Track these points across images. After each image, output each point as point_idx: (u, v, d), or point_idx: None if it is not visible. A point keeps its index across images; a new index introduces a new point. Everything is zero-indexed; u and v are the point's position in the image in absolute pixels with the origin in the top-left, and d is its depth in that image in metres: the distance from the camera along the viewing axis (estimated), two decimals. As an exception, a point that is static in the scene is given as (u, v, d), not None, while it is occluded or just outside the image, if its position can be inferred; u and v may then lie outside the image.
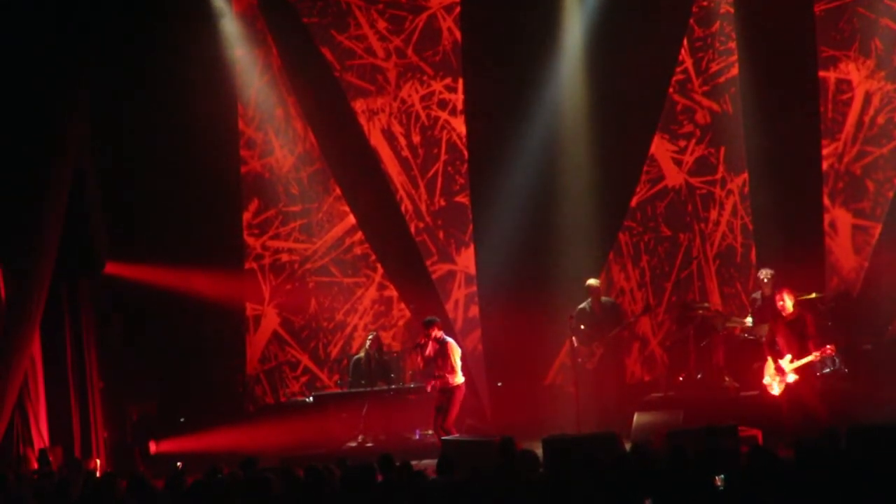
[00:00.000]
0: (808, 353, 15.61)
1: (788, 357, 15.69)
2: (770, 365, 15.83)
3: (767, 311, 17.92)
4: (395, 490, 11.32)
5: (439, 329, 16.67)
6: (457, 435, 16.28)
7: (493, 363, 19.55)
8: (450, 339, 16.70)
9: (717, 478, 10.38)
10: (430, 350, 16.59)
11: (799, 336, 15.76)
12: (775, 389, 15.80)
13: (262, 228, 20.86)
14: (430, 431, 17.10)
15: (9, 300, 16.92)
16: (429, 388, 16.71)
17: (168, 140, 19.31)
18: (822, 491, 10.03)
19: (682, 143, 20.21)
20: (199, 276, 19.58)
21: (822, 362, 16.34)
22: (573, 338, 17.85)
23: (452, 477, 11.66)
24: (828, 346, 15.60)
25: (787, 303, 15.86)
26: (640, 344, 20.10)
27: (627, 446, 13.74)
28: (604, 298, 18.62)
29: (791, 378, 15.66)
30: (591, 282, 18.44)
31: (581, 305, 18.35)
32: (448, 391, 16.51)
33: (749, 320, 18.12)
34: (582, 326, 18.11)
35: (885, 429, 12.29)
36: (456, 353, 16.58)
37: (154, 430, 18.99)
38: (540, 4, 19.40)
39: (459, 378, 16.55)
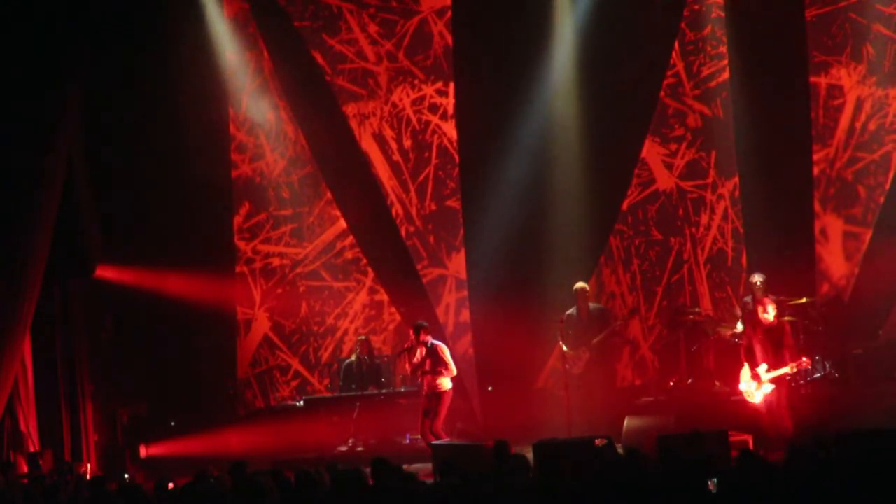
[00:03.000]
0: (784, 364, 15.52)
1: (764, 366, 15.59)
2: (746, 372, 15.74)
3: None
4: (387, 494, 11.30)
5: (427, 334, 16.68)
6: (446, 439, 16.28)
7: (484, 367, 19.54)
8: (439, 342, 16.72)
9: (710, 482, 10.38)
10: (418, 356, 16.59)
11: (776, 345, 15.66)
12: (753, 397, 15.73)
13: (252, 232, 20.84)
14: (420, 436, 17.08)
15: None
16: (426, 390, 16.71)
17: (159, 143, 19.25)
18: (813, 496, 10.03)
19: (674, 147, 20.24)
20: (189, 279, 19.53)
21: (803, 372, 16.23)
22: (560, 342, 17.89)
23: (446, 481, 11.65)
24: (803, 359, 15.51)
25: (770, 313, 15.71)
26: (630, 348, 20.12)
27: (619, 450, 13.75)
28: (592, 304, 18.57)
29: (768, 388, 15.58)
30: (578, 285, 18.37)
31: (568, 311, 18.33)
32: (437, 395, 16.52)
33: (739, 326, 18.14)
34: (570, 331, 18.12)
35: (875, 433, 12.29)
36: (447, 353, 16.60)
37: (144, 434, 18.96)
38: (531, 8, 19.39)
39: (448, 382, 16.56)
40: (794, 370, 15.53)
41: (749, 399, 15.74)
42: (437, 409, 16.49)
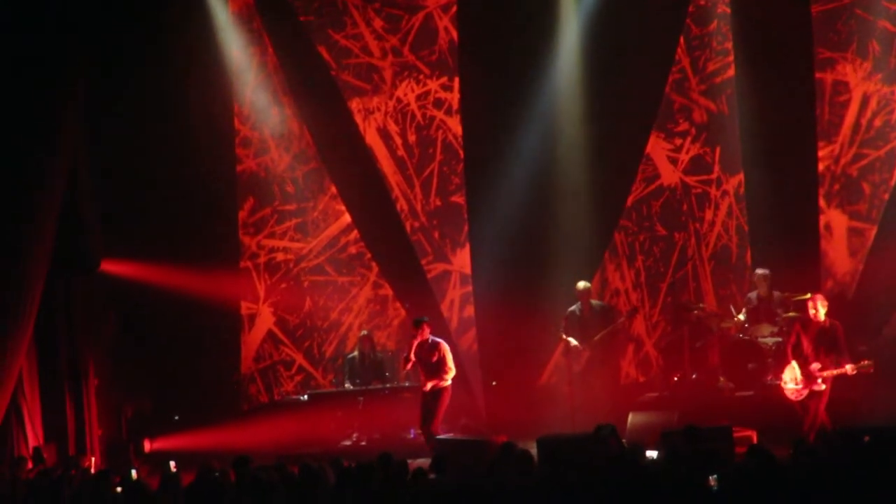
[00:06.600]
0: (842, 365, 15.31)
1: (817, 365, 15.42)
2: (795, 369, 15.55)
3: (762, 311, 17.98)
4: (393, 489, 11.32)
5: (428, 328, 16.69)
6: (441, 436, 16.28)
7: (488, 362, 19.53)
8: (440, 340, 16.72)
9: (710, 478, 10.39)
10: (418, 351, 16.59)
11: (828, 345, 15.50)
12: (796, 394, 15.59)
13: (257, 227, 20.83)
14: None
15: (3, 298, 16.87)
16: (427, 388, 16.68)
17: (163, 138, 19.23)
18: (818, 491, 10.05)
19: (678, 142, 20.24)
20: (194, 274, 19.52)
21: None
22: (564, 337, 17.91)
23: (447, 476, 11.67)
24: (864, 362, 15.35)
25: (821, 311, 15.54)
26: (634, 345, 20.09)
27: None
28: (594, 302, 18.57)
29: (820, 386, 15.40)
30: (580, 285, 18.39)
31: (571, 308, 18.34)
32: (437, 392, 16.53)
33: (742, 316, 18.14)
34: (572, 328, 18.12)
35: (879, 430, 12.30)
36: (449, 353, 16.60)
37: (148, 428, 18.96)
38: (536, 4, 19.39)
39: (449, 378, 16.57)
40: (855, 372, 15.37)
41: (794, 396, 15.61)
42: (435, 407, 16.49)
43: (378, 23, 20.65)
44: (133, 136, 18.88)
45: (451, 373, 16.57)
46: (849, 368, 15.29)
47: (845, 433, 12.07)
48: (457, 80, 20.33)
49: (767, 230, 19.05)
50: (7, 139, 16.84)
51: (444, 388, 16.54)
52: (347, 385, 19.02)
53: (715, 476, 10.39)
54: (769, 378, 17.52)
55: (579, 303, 18.35)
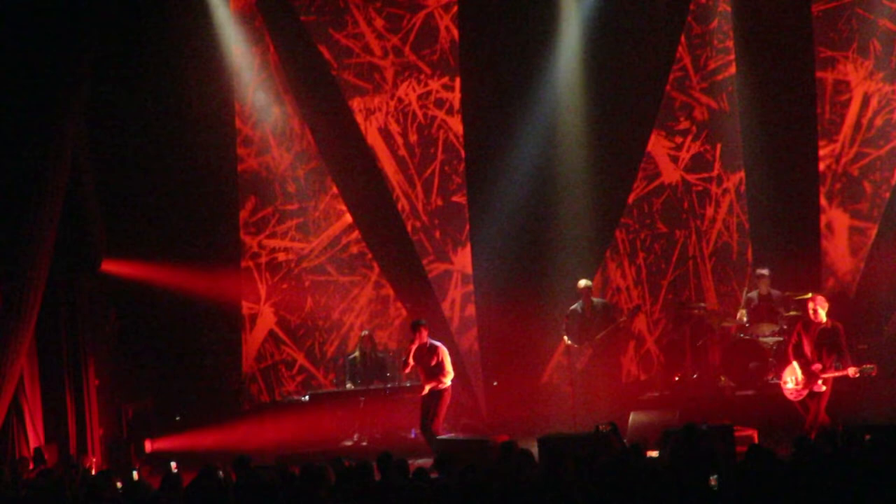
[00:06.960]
0: (844, 367, 15.23)
1: (819, 366, 15.32)
2: (797, 369, 15.46)
3: (763, 310, 17.97)
4: (393, 489, 11.31)
5: (426, 331, 16.65)
6: (442, 436, 16.28)
7: (490, 362, 19.55)
8: (439, 344, 16.68)
9: (711, 478, 10.38)
10: (417, 354, 16.56)
11: (829, 347, 15.41)
12: (796, 394, 15.54)
13: (258, 227, 20.84)
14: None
15: (5, 298, 16.88)
16: (426, 391, 16.66)
17: (165, 138, 19.28)
18: (819, 490, 10.04)
19: (679, 140, 20.24)
20: (195, 274, 19.53)
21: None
22: (565, 337, 17.92)
23: (450, 476, 11.67)
24: (866, 366, 15.26)
25: (821, 312, 15.46)
26: (635, 343, 20.09)
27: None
28: (595, 299, 18.58)
29: (820, 387, 15.33)
30: (582, 283, 18.41)
31: (573, 306, 18.34)
32: (437, 393, 16.51)
33: (743, 313, 18.12)
34: (574, 326, 18.13)
35: (880, 428, 12.30)
36: (447, 357, 16.57)
37: (149, 428, 18.97)
38: (537, 3, 19.40)
39: (448, 381, 16.55)
40: (857, 375, 15.31)
41: (794, 396, 15.55)
42: (436, 408, 16.47)
43: (379, 22, 20.65)
44: (135, 134, 18.91)
45: (450, 376, 16.53)
46: (851, 371, 15.24)
47: (846, 432, 12.08)
48: (458, 79, 20.32)
49: (768, 228, 19.07)
50: (7, 139, 16.85)
51: (444, 390, 16.52)
52: (348, 385, 19.05)
53: (715, 475, 10.38)
54: (770, 377, 17.54)
55: (581, 301, 18.37)
